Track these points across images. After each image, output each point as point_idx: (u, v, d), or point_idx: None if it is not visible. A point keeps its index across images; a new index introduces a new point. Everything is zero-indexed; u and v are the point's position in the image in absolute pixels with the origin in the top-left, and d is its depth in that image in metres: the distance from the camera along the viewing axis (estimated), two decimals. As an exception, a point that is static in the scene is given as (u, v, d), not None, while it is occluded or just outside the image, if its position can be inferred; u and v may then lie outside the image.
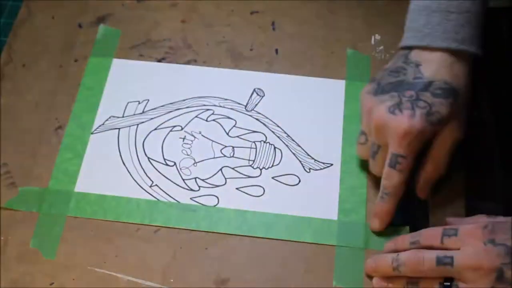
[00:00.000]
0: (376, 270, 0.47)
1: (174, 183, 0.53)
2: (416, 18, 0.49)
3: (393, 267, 0.45)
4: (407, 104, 0.46)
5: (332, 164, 0.53)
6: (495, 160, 0.56)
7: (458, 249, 0.43)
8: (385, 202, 0.48)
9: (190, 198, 0.52)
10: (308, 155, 0.54)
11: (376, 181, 0.52)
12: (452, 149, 0.49)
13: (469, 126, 0.50)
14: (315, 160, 0.54)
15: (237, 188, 0.53)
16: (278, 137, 0.55)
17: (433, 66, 0.48)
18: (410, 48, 0.49)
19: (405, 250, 0.45)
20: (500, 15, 0.61)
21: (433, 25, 0.48)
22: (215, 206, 0.52)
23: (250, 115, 0.56)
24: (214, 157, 0.54)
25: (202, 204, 0.52)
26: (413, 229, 0.49)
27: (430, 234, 0.45)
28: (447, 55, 0.48)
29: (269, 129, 0.55)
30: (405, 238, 0.47)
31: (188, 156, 0.54)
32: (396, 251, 0.46)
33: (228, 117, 0.56)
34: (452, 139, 0.48)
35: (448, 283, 0.43)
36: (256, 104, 0.57)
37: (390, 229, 0.50)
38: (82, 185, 0.53)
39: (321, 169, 0.53)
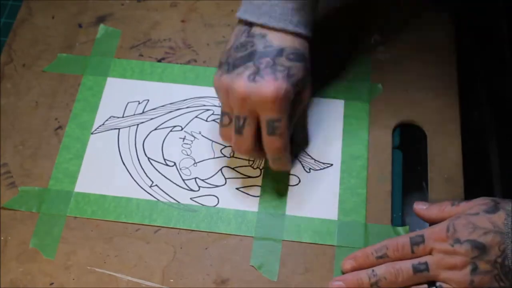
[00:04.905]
0: None
1: (174, 183, 0.53)
2: None
3: (371, 284, 0.46)
4: (266, 70, 0.45)
5: (332, 164, 0.53)
6: (495, 160, 0.56)
7: (429, 253, 0.45)
8: (279, 165, 0.49)
9: (190, 198, 0.52)
10: (308, 155, 0.54)
11: (376, 181, 0.52)
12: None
13: (469, 126, 0.50)
14: (315, 160, 0.54)
15: (237, 188, 0.53)
16: (278, 137, 0.55)
17: (279, 36, 0.47)
18: (249, 24, 0.48)
19: (372, 265, 0.46)
20: (500, 15, 0.61)
21: (271, 5, 0.46)
22: (215, 206, 0.52)
23: (250, 115, 0.56)
24: (214, 157, 0.54)
25: (202, 204, 0.52)
26: (413, 228, 0.50)
27: (398, 246, 0.46)
28: (285, 34, 0.47)
29: (269, 129, 0.55)
30: (368, 254, 0.47)
31: (188, 156, 0.54)
32: (359, 268, 0.47)
33: (228, 117, 0.56)
34: (306, 101, 0.50)
35: (433, 287, 0.45)
36: (256, 104, 0.56)
37: (390, 229, 0.50)
38: (82, 185, 0.53)
39: (321, 169, 0.53)
